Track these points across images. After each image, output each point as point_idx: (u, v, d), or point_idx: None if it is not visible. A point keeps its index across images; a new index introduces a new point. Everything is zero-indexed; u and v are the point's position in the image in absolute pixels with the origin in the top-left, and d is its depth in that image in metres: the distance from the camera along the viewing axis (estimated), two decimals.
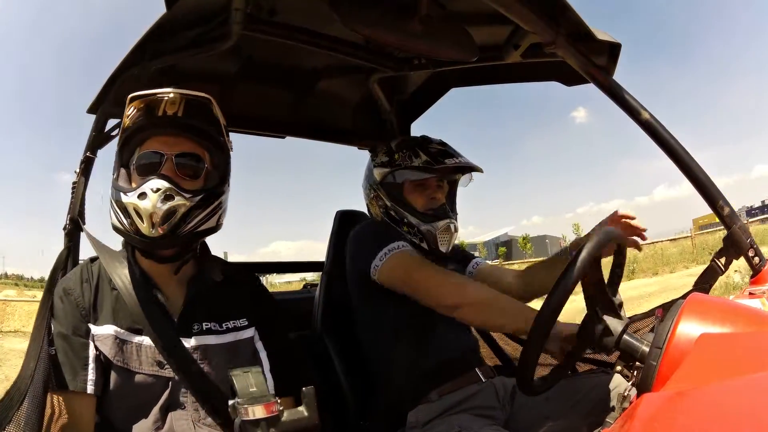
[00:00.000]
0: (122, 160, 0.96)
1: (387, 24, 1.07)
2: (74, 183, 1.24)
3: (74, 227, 1.21)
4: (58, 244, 1.17)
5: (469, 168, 1.36)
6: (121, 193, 0.91)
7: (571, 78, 1.39)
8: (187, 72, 1.39)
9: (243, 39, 1.15)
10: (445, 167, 1.30)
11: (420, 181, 1.33)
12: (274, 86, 1.59)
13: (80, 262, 1.15)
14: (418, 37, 1.10)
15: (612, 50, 1.15)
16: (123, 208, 0.90)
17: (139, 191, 0.89)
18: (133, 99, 0.89)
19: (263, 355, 1.03)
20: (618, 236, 0.99)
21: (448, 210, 1.37)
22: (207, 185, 0.97)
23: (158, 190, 0.88)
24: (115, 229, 0.95)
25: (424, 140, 1.37)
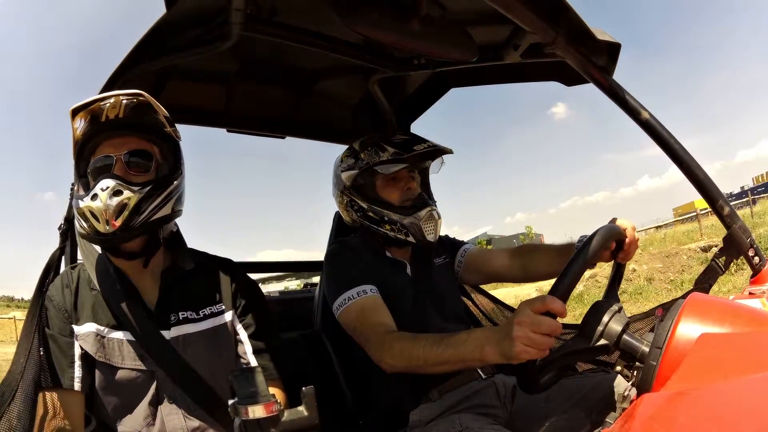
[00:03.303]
0: (80, 172, 0.99)
1: (387, 24, 1.07)
2: (73, 183, 1.24)
3: (68, 227, 1.22)
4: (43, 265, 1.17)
5: (440, 151, 1.33)
6: (79, 201, 0.94)
7: (570, 78, 1.39)
8: (187, 72, 1.39)
9: (243, 39, 1.16)
10: (416, 154, 1.26)
11: (391, 175, 1.30)
12: (274, 86, 1.59)
13: (79, 261, 1.17)
14: (418, 37, 1.10)
15: (611, 50, 1.15)
16: (81, 214, 0.93)
17: (91, 194, 0.92)
18: (75, 112, 0.91)
19: (244, 337, 1.05)
20: (620, 232, 0.99)
21: (426, 198, 1.34)
22: (159, 177, 0.99)
23: (107, 188, 0.91)
24: (80, 236, 0.98)
25: (387, 133, 1.36)
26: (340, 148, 1.43)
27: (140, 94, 0.92)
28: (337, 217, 1.58)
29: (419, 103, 1.81)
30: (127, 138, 0.97)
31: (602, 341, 0.80)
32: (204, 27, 1.12)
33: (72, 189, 1.23)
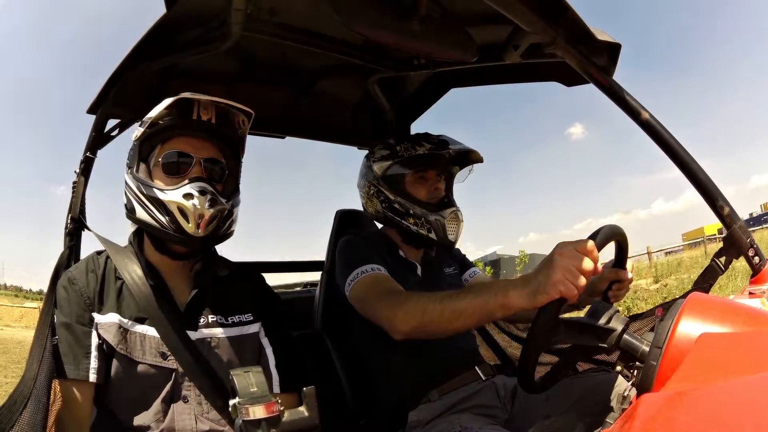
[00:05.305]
0: (142, 155, 0.98)
1: (387, 24, 1.07)
2: (74, 183, 1.24)
3: (75, 227, 1.21)
4: (54, 257, 1.17)
5: (472, 157, 1.35)
6: (156, 190, 0.93)
7: (570, 78, 1.39)
8: (187, 72, 1.39)
9: (243, 39, 1.16)
10: (451, 150, 1.29)
11: (421, 174, 1.33)
12: (274, 86, 1.59)
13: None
14: (418, 37, 1.10)
15: (612, 50, 1.15)
16: (161, 205, 0.92)
17: (183, 191, 0.92)
18: (171, 100, 0.92)
19: (269, 351, 1.04)
20: (620, 234, 0.98)
21: (452, 199, 1.38)
22: (225, 191, 1.01)
23: (204, 193, 0.92)
24: (143, 223, 0.96)
25: (423, 134, 1.38)
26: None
27: (246, 110, 0.97)
28: (338, 217, 1.58)
29: (419, 103, 1.81)
30: (208, 144, 0.98)
31: (610, 325, 0.80)
32: (204, 27, 1.12)
33: (74, 187, 1.23)
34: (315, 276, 1.96)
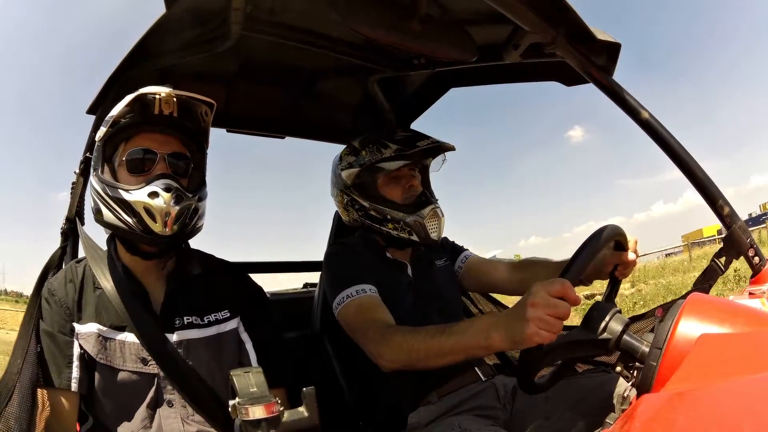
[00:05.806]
0: (105, 155, 0.96)
1: (387, 24, 1.07)
2: (73, 183, 1.24)
3: (70, 227, 1.21)
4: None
5: (442, 148, 1.32)
6: (121, 191, 0.91)
7: (570, 78, 1.39)
8: (186, 72, 1.39)
9: (242, 39, 1.15)
10: (419, 150, 1.25)
11: (393, 173, 1.29)
12: (273, 86, 1.59)
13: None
14: (418, 37, 1.10)
15: (611, 50, 1.15)
16: (127, 206, 0.90)
17: (148, 189, 0.90)
18: (130, 98, 0.90)
19: (249, 346, 1.04)
20: (620, 233, 0.98)
21: (429, 196, 1.34)
22: (191, 185, 0.98)
23: (170, 189, 0.90)
24: (109, 225, 0.94)
25: (388, 130, 1.34)
26: (338, 148, 1.42)
27: (208, 101, 0.95)
28: (337, 217, 1.58)
29: (419, 103, 1.81)
30: (171, 138, 0.97)
31: (605, 335, 0.80)
32: (204, 27, 1.12)
33: (73, 188, 1.23)
34: (316, 276, 1.96)
